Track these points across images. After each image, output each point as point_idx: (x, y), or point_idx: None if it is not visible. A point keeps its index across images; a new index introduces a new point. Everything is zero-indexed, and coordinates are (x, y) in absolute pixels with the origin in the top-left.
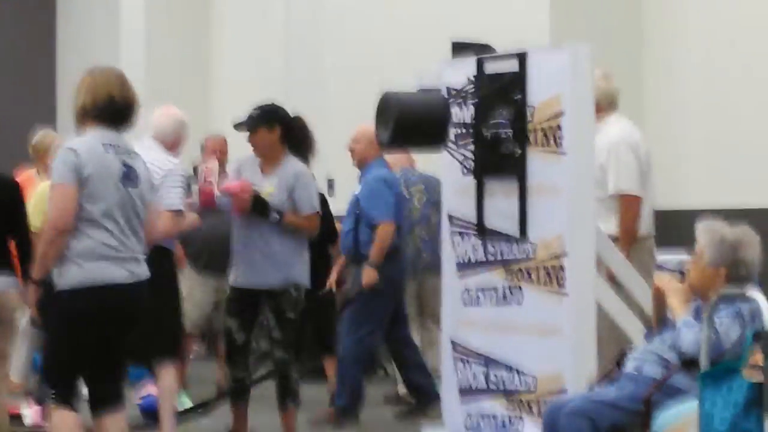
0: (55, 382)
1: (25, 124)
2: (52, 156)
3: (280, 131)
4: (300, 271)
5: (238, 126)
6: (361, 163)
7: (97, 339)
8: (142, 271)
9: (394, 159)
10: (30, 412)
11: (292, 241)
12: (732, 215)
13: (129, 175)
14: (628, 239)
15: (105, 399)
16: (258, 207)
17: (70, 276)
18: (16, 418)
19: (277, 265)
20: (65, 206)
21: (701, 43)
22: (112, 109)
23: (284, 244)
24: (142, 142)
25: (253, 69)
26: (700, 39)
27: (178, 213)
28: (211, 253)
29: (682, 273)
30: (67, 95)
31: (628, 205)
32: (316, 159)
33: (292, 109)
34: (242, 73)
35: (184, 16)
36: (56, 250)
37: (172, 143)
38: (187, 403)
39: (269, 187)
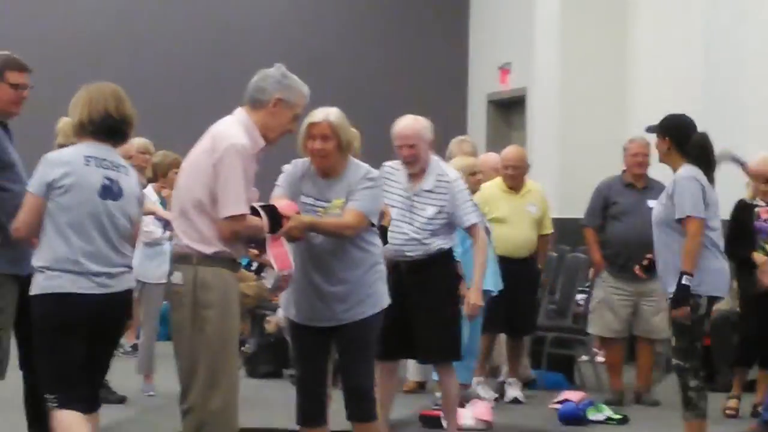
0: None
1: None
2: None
3: (670, 142)
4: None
5: (649, 129)
6: None
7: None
8: (116, 284)
9: None
10: None
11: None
12: None
13: (110, 189)
14: None
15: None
16: None
17: (36, 284)
18: None
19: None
20: (30, 218)
21: None
22: (107, 124)
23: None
24: None
25: (670, 71)
26: None
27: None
28: (629, 256)
29: None
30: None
31: None
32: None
33: (704, 123)
34: (660, 74)
35: (600, 14)
36: None
37: None
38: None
39: None
